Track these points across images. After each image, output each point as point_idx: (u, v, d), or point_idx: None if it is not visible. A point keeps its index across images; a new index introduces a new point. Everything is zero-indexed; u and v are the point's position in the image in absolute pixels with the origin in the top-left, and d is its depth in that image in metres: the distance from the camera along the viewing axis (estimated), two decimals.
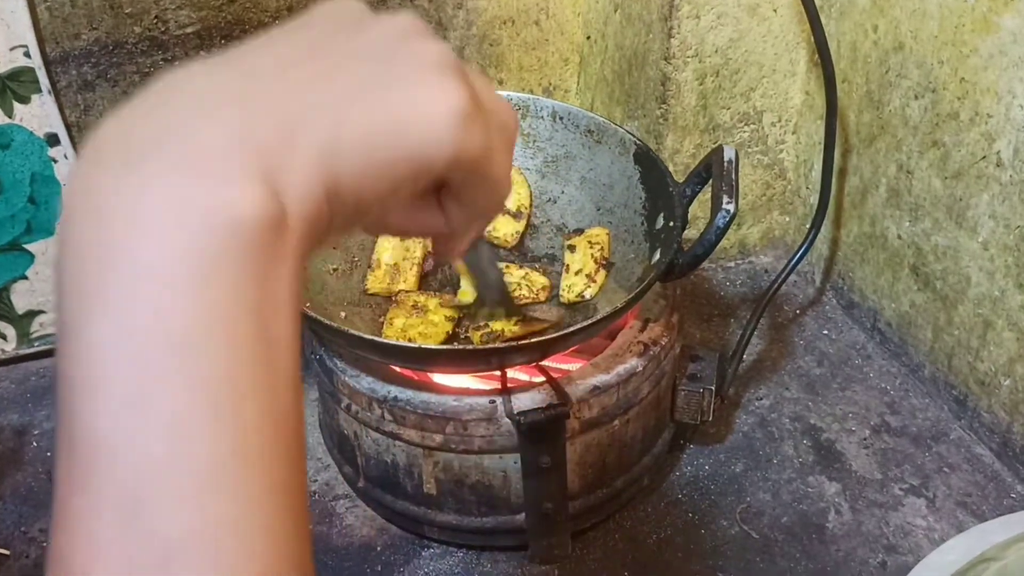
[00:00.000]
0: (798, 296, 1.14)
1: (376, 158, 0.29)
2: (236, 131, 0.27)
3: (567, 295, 0.87)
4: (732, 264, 1.19)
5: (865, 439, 0.96)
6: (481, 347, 0.78)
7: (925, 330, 0.99)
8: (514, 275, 0.89)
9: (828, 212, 1.05)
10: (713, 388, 0.86)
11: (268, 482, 0.26)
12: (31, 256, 1.01)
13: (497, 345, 0.76)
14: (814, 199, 1.08)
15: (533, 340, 0.71)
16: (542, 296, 0.88)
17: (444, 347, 0.75)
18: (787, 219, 1.17)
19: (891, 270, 1.01)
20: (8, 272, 1.01)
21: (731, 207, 0.75)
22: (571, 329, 0.72)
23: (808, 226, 1.07)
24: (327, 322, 0.72)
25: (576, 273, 0.88)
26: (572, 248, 0.90)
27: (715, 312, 1.13)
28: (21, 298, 1.03)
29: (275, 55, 0.30)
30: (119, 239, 0.25)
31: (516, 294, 0.87)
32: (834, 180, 1.04)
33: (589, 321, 0.73)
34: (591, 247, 0.89)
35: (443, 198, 0.35)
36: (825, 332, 1.09)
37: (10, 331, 1.04)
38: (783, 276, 1.03)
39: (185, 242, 0.25)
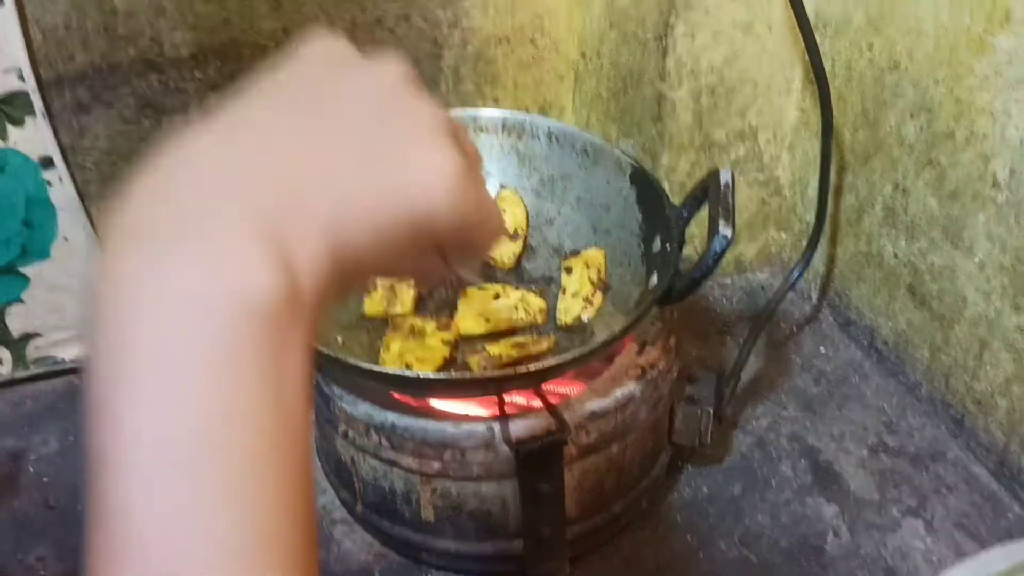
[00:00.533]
0: (794, 313, 1.14)
1: (378, 226, 0.31)
2: (246, 213, 0.28)
3: (564, 318, 0.87)
4: (728, 281, 1.19)
5: (863, 459, 0.96)
6: (478, 376, 0.78)
7: (922, 349, 0.98)
8: (511, 297, 0.89)
9: (824, 230, 1.05)
10: (711, 410, 0.86)
11: (291, 559, 0.27)
12: (26, 279, 1.00)
13: (494, 374, 0.76)
14: (810, 216, 1.08)
15: (530, 369, 0.71)
16: (539, 319, 0.88)
17: (441, 376, 0.75)
18: (783, 236, 1.17)
19: (888, 289, 1.01)
20: (3, 295, 1.00)
21: (728, 232, 0.75)
22: (569, 357, 0.72)
23: (804, 243, 1.07)
24: (324, 350, 0.71)
25: (573, 295, 0.88)
26: (569, 270, 0.90)
27: (712, 329, 1.13)
28: (16, 321, 1.02)
29: (273, 117, 0.31)
30: (143, 329, 0.26)
31: (513, 317, 0.86)
32: (830, 198, 1.04)
33: (587, 348, 0.73)
34: (588, 268, 0.89)
35: (441, 244, 0.36)
36: (822, 350, 1.09)
37: (5, 354, 1.04)
38: (780, 296, 1.03)
39: (205, 329, 0.26)
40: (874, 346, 1.06)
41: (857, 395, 1.04)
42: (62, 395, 1.06)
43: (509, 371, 0.73)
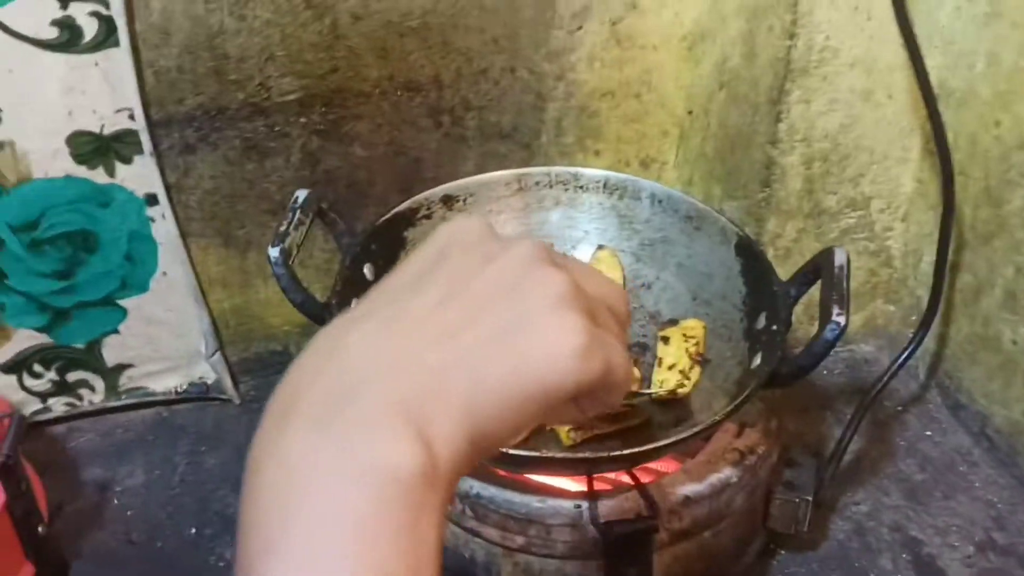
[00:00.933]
0: (900, 391, 1.09)
1: (511, 403, 0.33)
2: (392, 395, 0.31)
3: (659, 391, 0.84)
4: (831, 352, 1.13)
5: (969, 557, 0.90)
6: (569, 456, 0.75)
7: None
8: None
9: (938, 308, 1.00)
10: (811, 499, 0.82)
11: None
12: (124, 311, 1.01)
13: (586, 455, 0.73)
14: (922, 291, 1.03)
15: (624, 453, 0.68)
16: (633, 386, 0.85)
17: (531, 454, 0.72)
18: (892, 308, 1.12)
19: (1004, 376, 0.96)
20: (101, 326, 1.02)
21: (841, 319, 0.71)
22: (665, 442, 0.69)
23: (915, 318, 1.02)
24: None
25: (669, 368, 0.84)
26: (666, 340, 0.87)
27: (812, 404, 1.08)
28: (111, 351, 1.04)
29: (416, 305, 0.34)
30: (300, 491, 0.29)
31: None
32: (946, 275, 0.98)
33: (686, 433, 0.70)
34: (686, 341, 0.85)
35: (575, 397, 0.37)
36: (928, 433, 1.04)
37: (99, 383, 1.05)
38: (889, 376, 0.97)
39: (356, 497, 0.29)
40: (985, 433, 1.00)
41: (964, 485, 0.98)
42: (151, 427, 1.07)
43: (603, 453, 0.70)
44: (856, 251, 1.07)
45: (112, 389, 1.06)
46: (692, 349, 0.85)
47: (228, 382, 1.08)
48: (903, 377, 1.10)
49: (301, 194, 0.82)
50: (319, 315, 0.78)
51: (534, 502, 0.74)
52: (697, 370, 0.84)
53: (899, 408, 1.07)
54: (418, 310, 0.34)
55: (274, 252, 0.76)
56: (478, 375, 0.32)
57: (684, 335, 0.86)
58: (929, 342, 1.06)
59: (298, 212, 0.80)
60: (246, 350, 1.11)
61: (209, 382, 1.08)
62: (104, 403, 1.06)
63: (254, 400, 1.10)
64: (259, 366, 1.12)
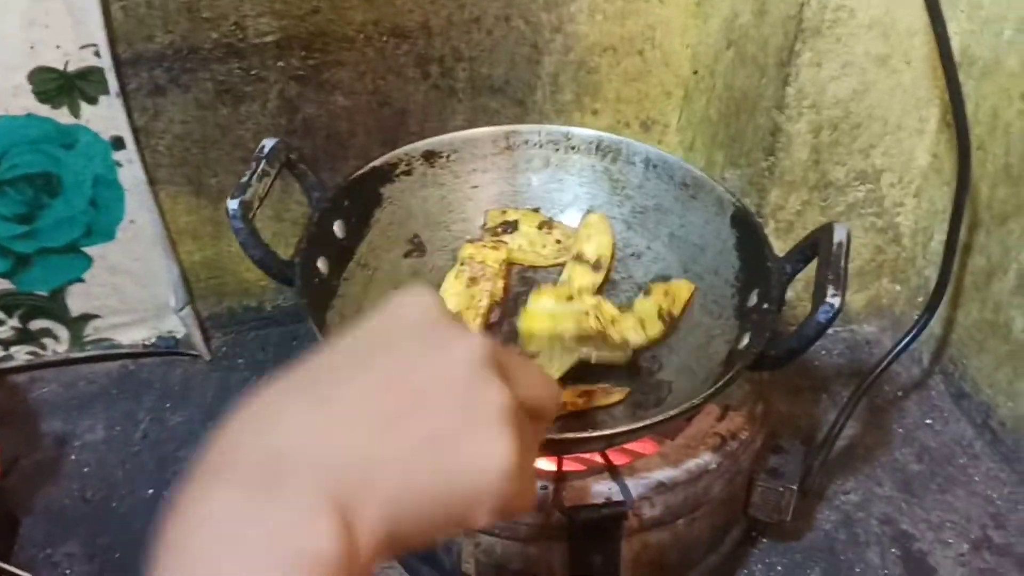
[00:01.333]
0: (901, 375, 1.04)
1: (433, 508, 0.33)
2: (324, 481, 0.31)
3: (599, 354, 0.78)
4: (831, 331, 1.07)
5: (962, 555, 0.86)
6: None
7: None
8: (585, 302, 0.80)
9: (946, 290, 0.94)
10: (795, 487, 0.77)
11: None
12: (89, 259, 0.97)
13: (556, 436, 0.69)
14: (930, 271, 0.98)
15: (594, 435, 0.63)
16: (612, 333, 0.78)
17: None
18: (898, 288, 1.06)
19: (1012, 365, 0.90)
20: (65, 274, 0.97)
21: (836, 301, 0.65)
22: (638, 425, 0.63)
23: (921, 300, 0.96)
24: None
25: (636, 318, 0.79)
26: (648, 292, 0.81)
27: (806, 384, 1.03)
28: (76, 300, 0.99)
29: (356, 386, 0.34)
30: (222, 556, 0.29)
31: (583, 323, 0.78)
32: (957, 256, 0.93)
33: (663, 415, 0.64)
34: (665, 296, 0.80)
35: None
36: (928, 422, 0.98)
37: (63, 332, 1.01)
38: (890, 359, 0.92)
39: (273, 572, 0.29)
40: (988, 425, 0.95)
41: (963, 479, 0.93)
42: (116, 380, 1.03)
43: (572, 435, 0.65)
44: (863, 227, 1.01)
45: (77, 339, 1.02)
46: (665, 306, 0.79)
47: (198, 337, 1.04)
48: (905, 361, 1.05)
49: (268, 143, 0.77)
50: (281, 273, 0.73)
51: None
52: (658, 327, 0.78)
53: (899, 394, 1.02)
54: (356, 394, 0.34)
55: (233, 204, 0.71)
56: (408, 475, 0.33)
57: (666, 292, 0.81)
58: (935, 326, 1.01)
59: (263, 162, 0.75)
60: (218, 304, 1.06)
61: (179, 336, 1.03)
62: (68, 353, 1.02)
63: (225, 357, 1.06)
64: (232, 322, 1.08)
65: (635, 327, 0.78)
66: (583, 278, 0.86)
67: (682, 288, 0.82)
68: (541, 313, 0.78)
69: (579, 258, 0.85)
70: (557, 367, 0.75)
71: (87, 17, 0.84)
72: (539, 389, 0.39)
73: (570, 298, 0.80)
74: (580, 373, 0.77)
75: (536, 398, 0.38)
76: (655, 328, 0.78)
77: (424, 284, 0.39)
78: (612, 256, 0.87)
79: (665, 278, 0.84)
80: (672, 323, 0.80)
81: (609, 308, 0.80)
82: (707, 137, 1.05)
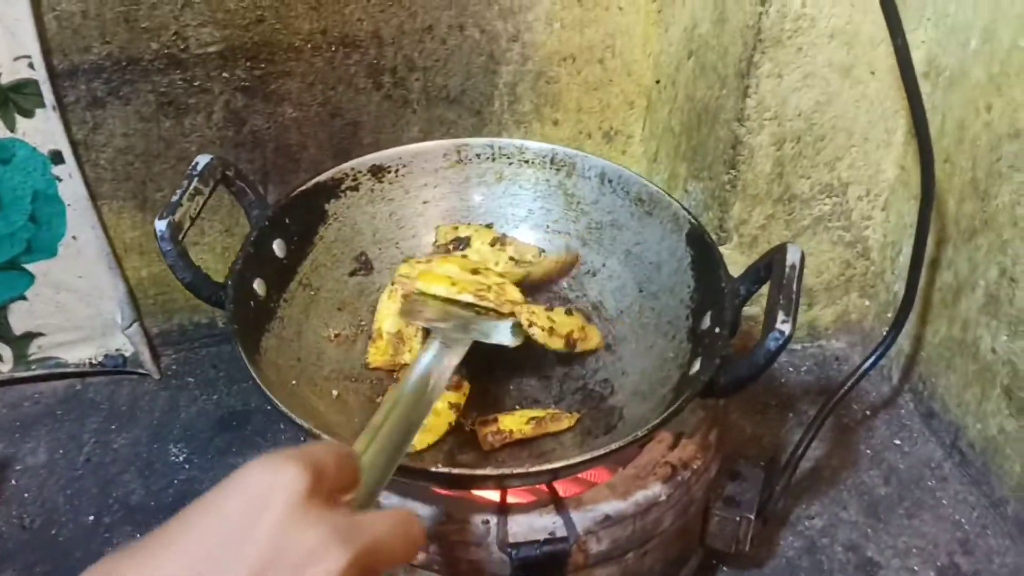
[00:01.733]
0: (871, 393, 1.01)
1: None
2: None
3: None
4: (799, 347, 1.05)
5: None
6: (479, 472, 0.66)
7: (1013, 462, 0.84)
8: (490, 278, 0.77)
9: (914, 306, 0.91)
10: (752, 516, 0.74)
11: None
12: (31, 276, 0.94)
13: (497, 472, 0.65)
14: (899, 286, 0.95)
15: (539, 469, 0.60)
16: (506, 310, 0.74)
17: (440, 471, 0.64)
18: (867, 303, 1.04)
19: (980, 385, 0.87)
20: (6, 292, 0.94)
21: (786, 328, 0.62)
22: (588, 456, 0.61)
23: (891, 315, 0.94)
24: (295, 419, 0.62)
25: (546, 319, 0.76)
26: (570, 314, 0.79)
27: (772, 402, 1.00)
28: (19, 319, 0.96)
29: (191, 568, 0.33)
30: None
31: (480, 292, 0.74)
32: (924, 272, 0.90)
33: (612, 447, 0.61)
34: (581, 331, 0.78)
35: None
36: (896, 442, 0.96)
37: (6, 352, 0.98)
38: (856, 377, 0.89)
39: None
40: (957, 446, 0.92)
41: (931, 502, 0.90)
42: (62, 400, 1.00)
43: (517, 469, 0.62)
44: (831, 240, 0.98)
45: (21, 358, 0.99)
46: (576, 335, 0.77)
47: (147, 355, 1.01)
48: (874, 379, 1.02)
49: (202, 159, 0.74)
50: (213, 296, 0.70)
51: (439, 515, 0.66)
52: (559, 343, 0.76)
53: (867, 412, 0.99)
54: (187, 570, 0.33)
55: (160, 225, 0.68)
56: None
57: (583, 327, 0.79)
58: (904, 343, 0.98)
59: (195, 180, 0.72)
60: (168, 321, 1.03)
61: (127, 355, 1.00)
62: (12, 373, 0.99)
63: (175, 375, 1.02)
64: (182, 339, 1.04)
65: (540, 319, 0.76)
66: (497, 256, 0.84)
67: (594, 336, 0.79)
68: (441, 276, 0.75)
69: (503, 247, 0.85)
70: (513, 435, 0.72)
71: (19, 28, 0.81)
72: (397, 556, 0.39)
73: (475, 272, 0.78)
74: (526, 395, 0.74)
75: (391, 563, 0.39)
76: (557, 342, 0.76)
77: (286, 455, 0.36)
78: (554, 271, 0.84)
79: (619, 301, 0.82)
80: (570, 349, 0.77)
81: (513, 292, 0.77)
82: (670, 148, 1.02)
